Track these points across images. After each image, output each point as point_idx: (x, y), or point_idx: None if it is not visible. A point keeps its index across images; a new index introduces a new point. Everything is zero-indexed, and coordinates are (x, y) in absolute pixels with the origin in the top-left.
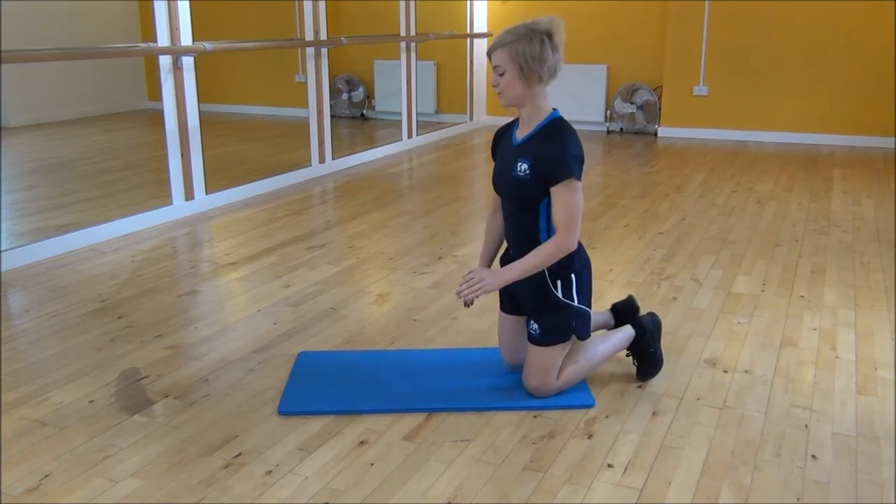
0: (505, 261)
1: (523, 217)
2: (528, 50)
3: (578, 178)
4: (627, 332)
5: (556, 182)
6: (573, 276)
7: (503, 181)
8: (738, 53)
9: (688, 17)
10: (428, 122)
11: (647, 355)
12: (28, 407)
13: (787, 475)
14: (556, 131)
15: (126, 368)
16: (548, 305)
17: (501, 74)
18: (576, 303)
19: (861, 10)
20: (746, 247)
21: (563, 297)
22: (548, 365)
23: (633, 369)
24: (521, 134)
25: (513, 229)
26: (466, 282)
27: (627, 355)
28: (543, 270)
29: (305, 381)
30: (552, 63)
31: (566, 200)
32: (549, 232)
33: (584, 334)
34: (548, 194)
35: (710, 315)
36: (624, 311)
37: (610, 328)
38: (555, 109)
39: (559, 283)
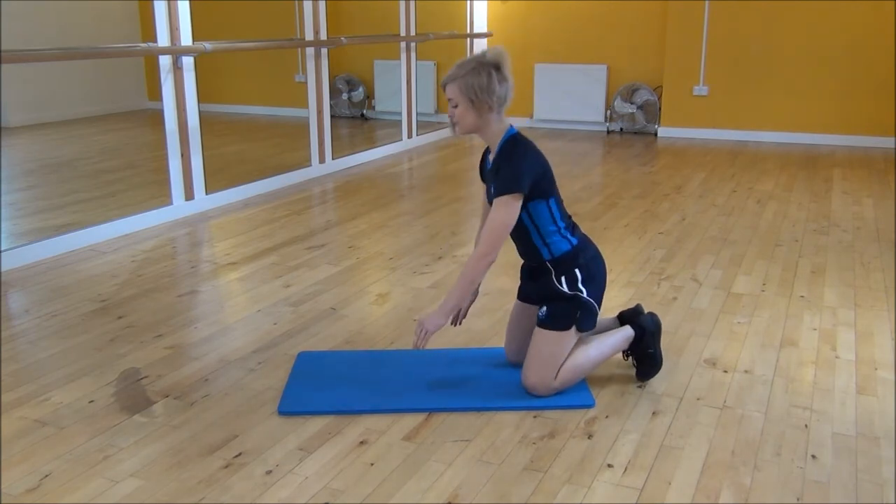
0: (523, 270)
1: (518, 231)
2: (476, 82)
3: (519, 189)
4: (626, 332)
5: (495, 195)
6: (577, 270)
7: (488, 203)
8: (738, 53)
9: (688, 17)
10: (428, 122)
11: (646, 356)
12: (28, 407)
13: (787, 475)
14: (511, 149)
15: (126, 368)
16: (558, 299)
17: (455, 106)
18: (584, 294)
19: (861, 10)
20: (746, 247)
21: (569, 290)
22: (548, 359)
23: (633, 369)
24: (492, 158)
25: (516, 243)
26: (416, 333)
27: (626, 357)
28: (550, 269)
29: (305, 381)
30: (501, 93)
31: (495, 215)
32: (545, 239)
33: (586, 327)
34: (525, 206)
35: (710, 315)
36: (630, 319)
37: None
38: (511, 127)
39: (563, 278)
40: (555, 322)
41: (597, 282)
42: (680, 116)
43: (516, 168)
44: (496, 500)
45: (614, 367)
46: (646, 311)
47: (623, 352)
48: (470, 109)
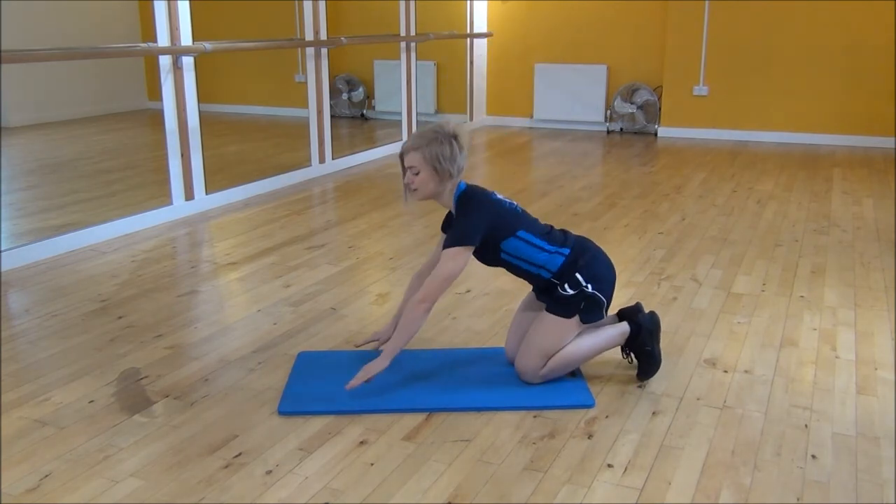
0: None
1: (512, 269)
2: (440, 151)
3: (468, 243)
4: (622, 328)
5: (445, 247)
6: (577, 274)
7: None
8: (738, 53)
9: (688, 17)
10: (428, 122)
11: (643, 354)
12: (28, 407)
13: (787, 475)
14: (465, 204)
15: (126, 368)
16: (567, 298)
17: (416, 174)
18: (589, 289)
19: (861, 10)
20: (746, 247)
21: (573, 291)
22: (543, 346)
23: (633, 369)
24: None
25: (519, 277)
26: (358, 375)
27: (625, 356)
28: (555, 283)
29: (305, 381)
30: (460, 161)
31: (442, 265)
32: (536, 264)
33: (590, 318)
34: (499, 248)
35: (710, 315)
36: (629, 316)
37: None
38: (461, 183)
39: (566, 285)
40: (559, 308)
41: (602, 279)
42: (680, 116)
43: (466, 222)
44: (496, 500)
45: (614, 367)
46: (646, 310)
47: (622, 350)
48: (433, 176)
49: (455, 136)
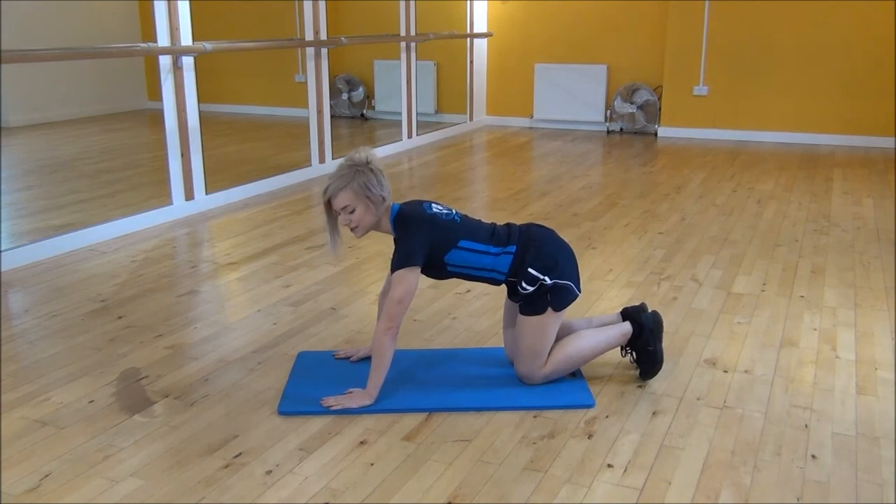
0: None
1: (467, 278)
2: (365, 181)
3: (412, 264)
4: (624, 328)
5: (392, 271)
6: (530, 269)
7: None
8: (738, 53)
9: (688, 17)
10: (428, 122)
11: (645, 353)
12: (28, 407)
13: (787, 475)
14: (402, 226)
15: (126, 368)
16: (530, 294)
17: (352, 212)
18: (548, 281)
19: (861, 9)
20: (746, 247)
21: (534, 288)
22: (533, 346)
23: (633, 369)
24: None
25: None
26: (338, 398)
27: (625, 354)
28: (513, 281)
29: (305, 381)
30: (386, 185)
31: (393, 290)
32: (486, 269)
33: (560, 306)
34: (444, 263)
35: (710, 315)
36: (632, 316)
37: None
38: (392, 206)
39: (524, 282)
40: (530, 307)
41: (555, 266)
42: (680, 116)
43: (407, 243)
44: (496, 500)
45: (614, 367)
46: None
47: (622, 348)
48: (368, 208)
49: (369, 163)
